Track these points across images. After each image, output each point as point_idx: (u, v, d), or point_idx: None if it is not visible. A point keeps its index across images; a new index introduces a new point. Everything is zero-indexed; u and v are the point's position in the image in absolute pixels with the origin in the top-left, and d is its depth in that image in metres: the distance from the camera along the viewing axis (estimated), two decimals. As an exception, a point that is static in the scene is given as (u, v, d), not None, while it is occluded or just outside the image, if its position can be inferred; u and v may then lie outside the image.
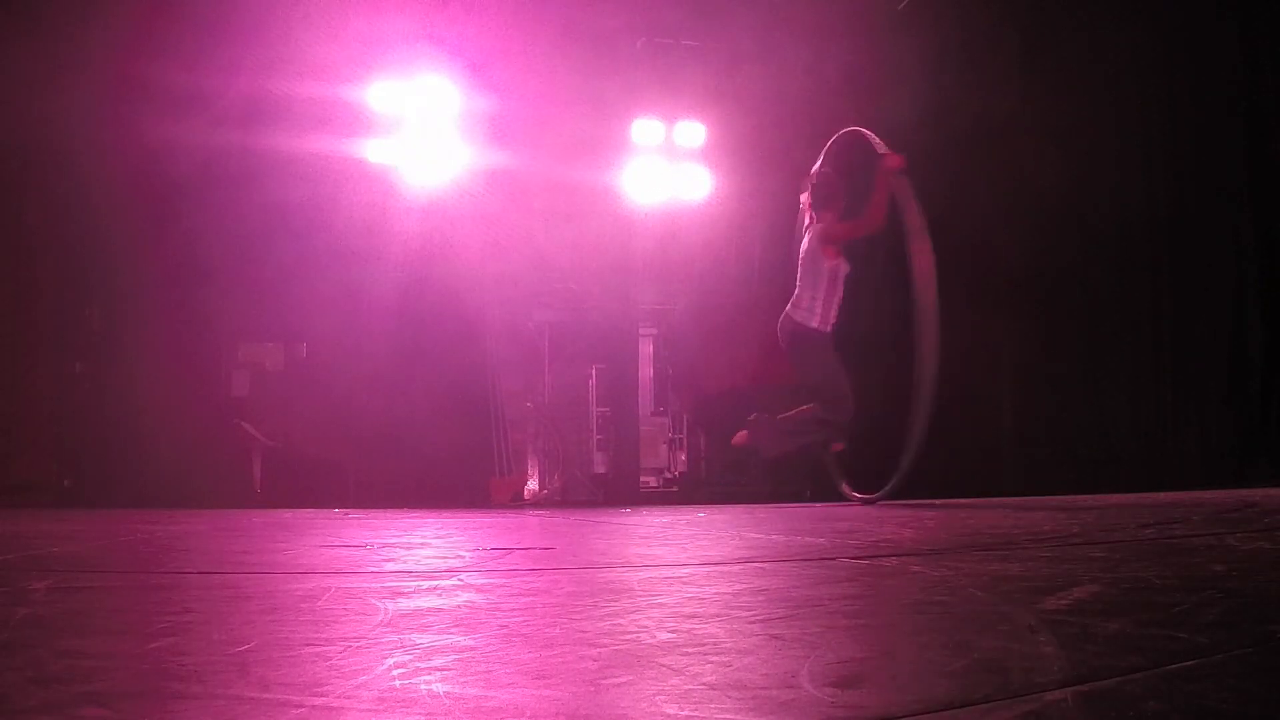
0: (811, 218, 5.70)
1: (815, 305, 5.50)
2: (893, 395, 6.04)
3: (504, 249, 7.79)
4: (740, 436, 5.78)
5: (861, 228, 5.54)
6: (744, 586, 2.37)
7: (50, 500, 6.79)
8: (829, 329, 5.56)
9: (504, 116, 7.33)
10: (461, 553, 3.24)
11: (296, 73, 6.77)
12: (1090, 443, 7.50)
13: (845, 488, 5.94)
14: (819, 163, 5.96)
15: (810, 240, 5.61)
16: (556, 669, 1.47)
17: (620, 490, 8.41)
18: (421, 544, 3.49)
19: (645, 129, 8.00)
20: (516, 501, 8.09)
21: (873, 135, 5.65)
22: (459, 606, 2.03)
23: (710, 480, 8.68)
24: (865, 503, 5.74)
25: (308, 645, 1.63)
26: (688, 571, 2.65)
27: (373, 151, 7.20)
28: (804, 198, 5.82)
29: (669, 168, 8.08)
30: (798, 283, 5.61)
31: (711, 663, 1.48)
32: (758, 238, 8.16)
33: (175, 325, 7.03)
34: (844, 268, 5.59)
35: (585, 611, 1.99)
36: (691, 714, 1.22)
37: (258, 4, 6.70)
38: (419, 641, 1.65)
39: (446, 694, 1.31)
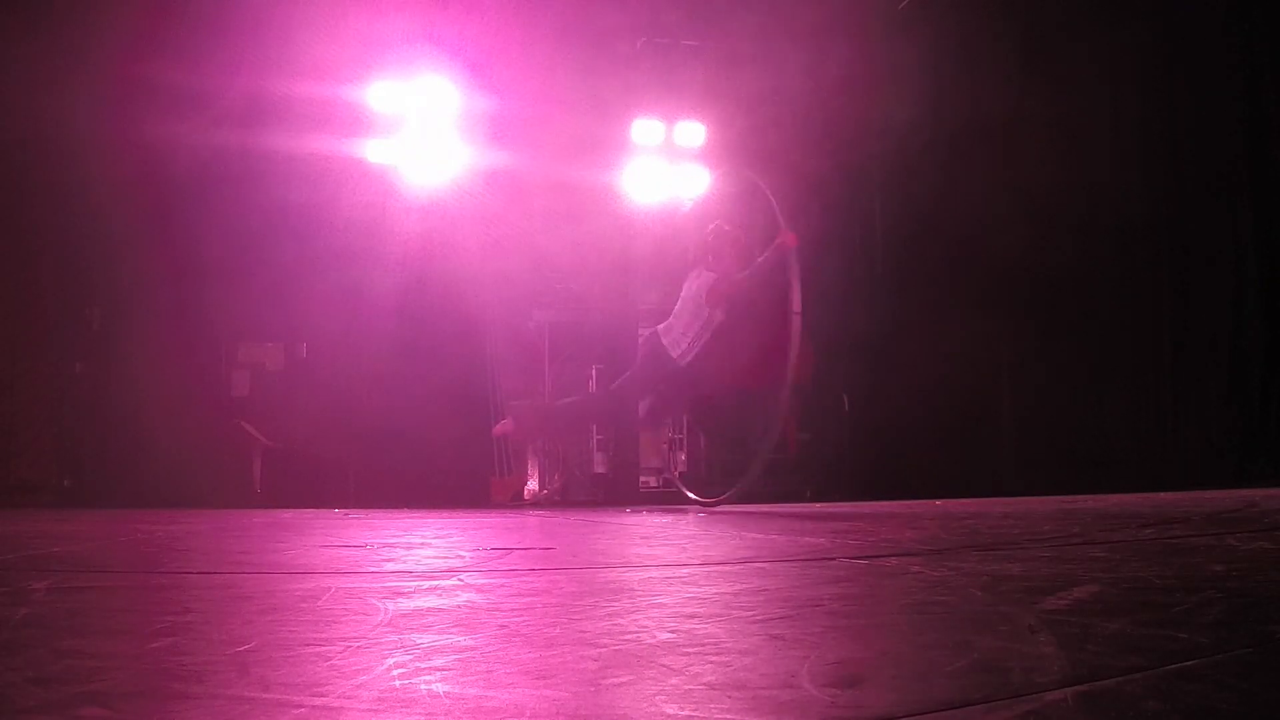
0: (707, 262, 6.08)
1: (683, 342, 5.92)
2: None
3: (504, 249, 7.78)
4: (503, 426, 6.30)
5: (745, 285, 5.99)
6: (744, 586, 2.37)
7: (50, 500, 6.79)
8: (684, 364, 5.95)
9: (504, 116, 7.33)
10: (461, 553, 3.24)
11: (296, 73, 6.77)
12: (1090, 443, 7.50)
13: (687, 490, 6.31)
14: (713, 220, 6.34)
15: (700, 286, 5.99)
16: (556, 669, 1.47)
17: (620, 490, 8.41)
18: (421, 544, 3.49)
19: (645, 129, 7.99)
20: (516, 501, 8.09)
21: (774, 200, 6.08)
22: (459, 606, 2.03)
23: (710, 480, 8.68)
24: (706, 506, 6.08)
25: (308, 645, 1.63)
26: (688, 571, 2.65)
27: (373, 151, 7.20)
28: (707, 241, 6.19)
29: (669, 168, 8.08)
30: (675, 312, 6.05)
31: (711, 663, 1.48)
32: (757, 238, 8.16)
33: (175, 325, 7.03)
34: (718, 318, 5.97)
35: (585, 611, 1.99)
36: (691, 714, 1.22)
37: (258, 4, 6.70)
38: (419, 641, 1.65)
39: (446, 694, 1.31)
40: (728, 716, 1.21)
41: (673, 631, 1.73)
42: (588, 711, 1.25)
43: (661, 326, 6.11)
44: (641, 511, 6.03)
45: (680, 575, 2.54)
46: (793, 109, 7.42)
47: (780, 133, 7.55)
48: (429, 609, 1.98)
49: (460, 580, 2.45)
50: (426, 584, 2.37)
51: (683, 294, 6.07)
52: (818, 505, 6.19)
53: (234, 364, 7.59)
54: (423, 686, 1.35)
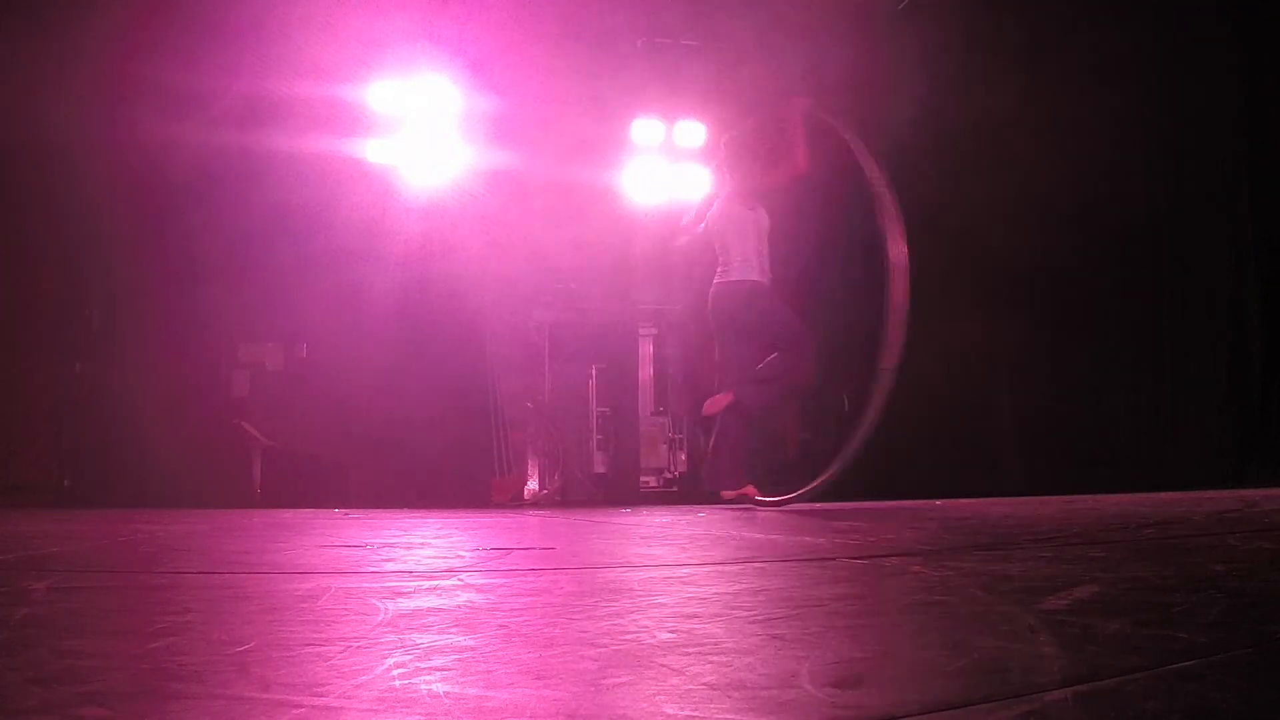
0: (722, 181, 5.76)
1: (751, 259, 5.47)
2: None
3: (504, 249, 7.78)
4: (717, 401, 5.56)
5: (783, 173, 5.60)
6: (744, 586, 2.37)
7: (50, 500, 6.79)
8: (768, 280, 5.52)
9: (504, 116, 7.33)
10: (461, 553, 3.24)
11: (296, 73, 6.77)
12: (1090, 443, 7.49)
13: (752, 490, 5.68)
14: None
15: (724, 203, 5.63)
16: (556, 669, 1.47)
17: (620, 490, 8.42)
18: (421, 544, 3.49)
19: (645, 129, 7.99)
20: (516, 501, 8.10)
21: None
22: (459, 606, 2.03)
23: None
24: (775, 505, 5.63)
25: (308, 645, 1.63)
26: (688, 571, 2.65)
27: (373, 151, 7.20)
28: (715, 164, 5.91)
29: (669, 168, 8.08)
30: (720, 252, 5.56)
31: (711, 663, 1.48)
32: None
33: (175, 325, 7.03)
34: (765, 220, 5.60)
35: (585, 611, 1.99)
36: (691, 714, 1.22)
37: (257, 4, 6.70)
38: (419, 641, 1.65)
39: (446, 694, 1.31)
40: (728, 716, 1.21)
41: (673, 631, 1.73)
42: (588, 711, 1.25)
43: (719, 275, 5.51)
44: (641, 511, 6.03)
45: (680, 575, 2.54)
46: (793, 109, 7.40)
47: (780, 133, 7.54)
48: (429, 609, 1.98)
49: (460, 580, 2.45)
50: (426, 584, 2.37)
51: (725, 237, 5.51)
52: (817, 505, 6.18)
53: (234, 364, 7.60)
54: (423, 686, 1.35)
